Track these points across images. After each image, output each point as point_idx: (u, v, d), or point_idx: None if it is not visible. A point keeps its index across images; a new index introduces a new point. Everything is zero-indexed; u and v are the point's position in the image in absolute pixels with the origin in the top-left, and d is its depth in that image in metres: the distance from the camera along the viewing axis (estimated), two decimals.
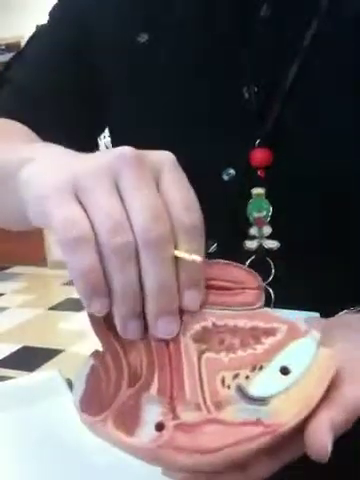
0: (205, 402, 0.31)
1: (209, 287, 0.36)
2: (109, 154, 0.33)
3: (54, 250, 4.95)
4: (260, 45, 0.50)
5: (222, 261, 0.38)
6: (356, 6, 0.48)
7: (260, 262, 0.51)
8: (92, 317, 0.36)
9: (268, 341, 0.33)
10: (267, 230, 0.51)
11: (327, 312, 0.44)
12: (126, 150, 0.33)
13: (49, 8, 0.66)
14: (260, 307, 0.36)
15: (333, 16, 0.48)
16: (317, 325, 0.39)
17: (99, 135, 0.64)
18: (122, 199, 0.32)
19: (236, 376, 0.32)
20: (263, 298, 0.36)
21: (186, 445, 0.29)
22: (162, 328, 0.33)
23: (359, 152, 0.48)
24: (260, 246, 0.51)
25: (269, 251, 0.51)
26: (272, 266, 0.51)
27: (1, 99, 0.62)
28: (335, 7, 0.48)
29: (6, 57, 4.96)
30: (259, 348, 0.33)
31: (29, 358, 3.07)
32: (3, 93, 0.62)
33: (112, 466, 0.50)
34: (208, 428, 0.30)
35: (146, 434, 0.30)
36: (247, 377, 0.32)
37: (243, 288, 0.37)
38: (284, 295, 0.51)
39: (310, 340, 0.33)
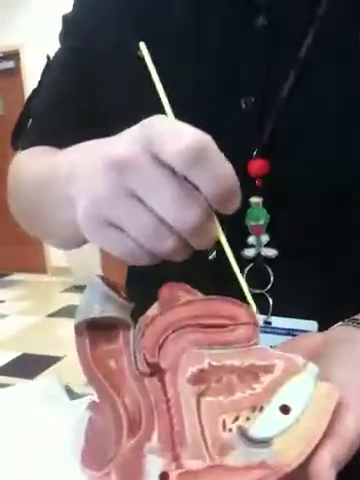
0: (207, 448, 0.31)
1: (203, 326, 0.36)
2: (117, 158, 0.33)
3: (54, 257, 4.95)
4: (257, 56, 0.51)
5: (215, 297, 0.37)
6: (354, 15, 0.48)
7: (258, 270, 0.52)
8: (85, 366, 0.36)
9: (266, 379, 0.33)
10: (265, 238, 0.51)
11: (326, 319, 0.44)
12: (129, 144, 0.33)
13: (48, 16, 0.68)
14: (256, 343, 0.35)
15: (330, 25, 0.49)
16: (314, 341, 0.39)
17: None
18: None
19: (237, 418, 0.31)
20: (259, 333, 0.35)
21: None
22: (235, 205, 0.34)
23: (357, 161, 0.48)
24: (258, 254, 0.51)
25: (267, 259, 0.51)
26: (271, 274, 0.51)
27: (26, 133, 0.67)
28: (332, 16, 0.48)
29: (4, 65, 4.98)
30: (258, 387, 0.32)
31: (28, 365, 3.06)
32: (27, 127, 0.67)
33: None
34: (212, 474, 0.29)
35: None
36: (248, 419, 0.31)
37: (238, 324, 0.36)
38: (282, 303, 0.51)
39: (308, 375, 0.32)
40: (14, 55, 4.88)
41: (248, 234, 0.52)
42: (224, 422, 0.31)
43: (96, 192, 0.33)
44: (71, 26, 0.64)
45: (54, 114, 0.63)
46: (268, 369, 0.33)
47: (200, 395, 0.33)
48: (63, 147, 0.55)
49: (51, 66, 0.67)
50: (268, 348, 0.35)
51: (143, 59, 0.56)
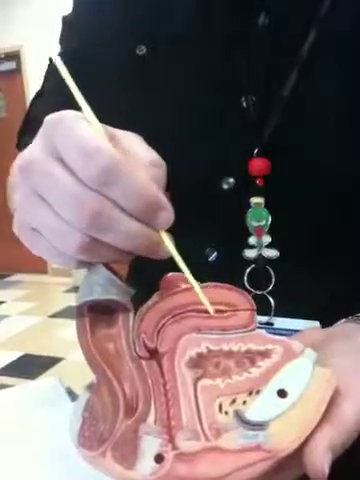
0: (203, 430, 0.31)
1: (201, 311, 0.36)
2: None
3: None
4: (258, 55, 0.51)
5: (212, 284, 0.37)
6: (355, 15, 0.48)
7: (260, 271, 0.51)
8: (85, 348, 0.37)
9: (264, 364, 0.33)
10: (266, 239, 0.51)
11: (328, 320, 0.44)
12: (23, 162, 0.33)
13: (49, 17, 0.68)
14: (254, 328, 0.35)
15: (331, 25, 0.48)
16: (315, 336, 0.40)
17: None
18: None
19: (233, 402, 0.32)
20: (256, 319, 0.36)
21: (187, 475, 0.29)
22: (161, 219, 0.33)
23: (358, 161, 0.48)
24: (260, 255, 0.51)
25: (269, 260, 0.51)
26: (272, 275, 0.51)
27: (28, 134, 0.66)
28: (333, 15, 0.48)
29: (5, 66, 4.98)
30: (255, 371, 0.33)
31: (30, 366, 3.06)
32: (30, 129, 0.66)
33: None
34: (208, 456, 0.30)
35: (146, 466, 0.30)
36: (244, 402, 0.31)
37: (235, 310, 0.36)
38: (284, 304, 0.51)
39: (305, 360, 0.33)
40: (15, 56, 4.89)
41: (249, 235, 0.52)
42: (221, 405, 0.32)
43: (16, 199, 0.35)
44: (71, 28, 0.64)
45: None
46: (266, 354, 0.33)
47: (197, 379, 0.33)
48: None
49: (53, 68, 0.67)
50: (266, 333, 0.35)
51: (142, 57, 0.56)
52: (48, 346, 3.35)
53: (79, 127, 0.32)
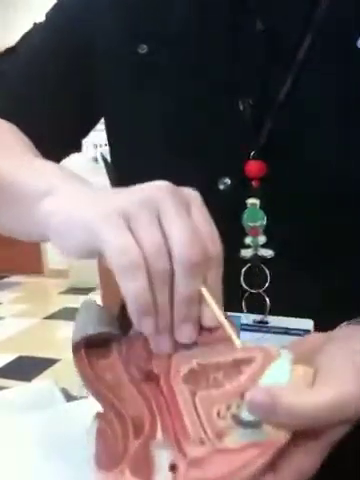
0: (207, 436, 0.34)
1: None
2: (147, 187, 0.38)
3: (51, 259, 4.95)
4: (255, 59, 0.51)
5: None
6: (351, 18, 0.49)
7: (256, 270, 0.52)
8: (87, 381, 0.40)
9: (248, 370, 0.36)
10: (262, 239, 0.51)
11: (322, 319, 0.45)
12: (163, 183, 0.38)
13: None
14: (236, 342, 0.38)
15: (329, 26, 0.49)
16: (316, 340, 0.40)
17: (84, 137, 0.67)
18: (162, 226, 0.36)
19: (229, 407, 0.35)
20: (239, 332, 0.39)
21: (200, 478, 0.32)
22: (185, 333, 0.38)
23: (357, 165, 0.48)
24: (255, 255, 0.52)
25: (264, 259, 0.51)
26: (267, 274, 0.51)
27: None
28: (332, 17, 0.49)
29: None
30: (242, 378, 0.36)
31: (25, 368, 3.06)
32: None
33: None
34: (216, 458, 0.32)
35: (163, 477, 0.33)
36: (238, 406, 0.34)
37: (218, 327, 0.39)
38: (280, 302, 0.51)
39: (283, 361, 0.36)
40: None
41: (245, 235, 0.52)
42: (218, 412, 0.35)
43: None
44: (63, 8, 0.66)
45: (28, 83, 0.63)
46: (249, 361, 0.37)
47: (194, 392, 0.36)
48: (30, 117, 0.59)
49: (34, 35, 0.66)
50: (246, 343, 0.38)
51: (143, 56, 0.56)
52: (44, 348, 3.34)
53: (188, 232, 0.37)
